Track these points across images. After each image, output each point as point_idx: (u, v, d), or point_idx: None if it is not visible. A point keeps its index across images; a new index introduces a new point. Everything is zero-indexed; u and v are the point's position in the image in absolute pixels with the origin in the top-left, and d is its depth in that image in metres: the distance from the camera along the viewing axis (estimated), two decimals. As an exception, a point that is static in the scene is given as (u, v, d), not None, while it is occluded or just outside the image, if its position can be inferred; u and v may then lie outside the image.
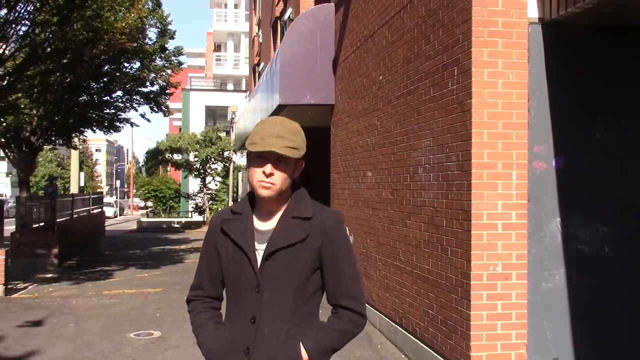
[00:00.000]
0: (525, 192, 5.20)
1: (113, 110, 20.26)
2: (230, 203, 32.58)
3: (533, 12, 5.25)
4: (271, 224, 2.32)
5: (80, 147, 35.48)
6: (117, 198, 56.66)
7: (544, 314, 5.23)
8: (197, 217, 36.67)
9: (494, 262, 5.16)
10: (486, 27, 5.18)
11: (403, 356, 6.74)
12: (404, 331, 6.79)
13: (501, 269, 5.16)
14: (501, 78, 5.19)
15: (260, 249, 2.29)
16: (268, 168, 2.22)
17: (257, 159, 2.24)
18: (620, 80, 5.42)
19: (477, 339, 5.13)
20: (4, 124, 17.64)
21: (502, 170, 5.18)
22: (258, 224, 2.34)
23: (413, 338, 6.49)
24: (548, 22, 5.22)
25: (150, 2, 18.65)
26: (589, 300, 5.31)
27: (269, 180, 2.23)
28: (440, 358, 5.72)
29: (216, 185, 36.81)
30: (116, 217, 45.81)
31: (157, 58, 19.84)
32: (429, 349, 6.03)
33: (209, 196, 34.61)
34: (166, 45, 20.16)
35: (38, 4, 13.37)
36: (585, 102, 5.36)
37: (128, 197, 67.67)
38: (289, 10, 16.39)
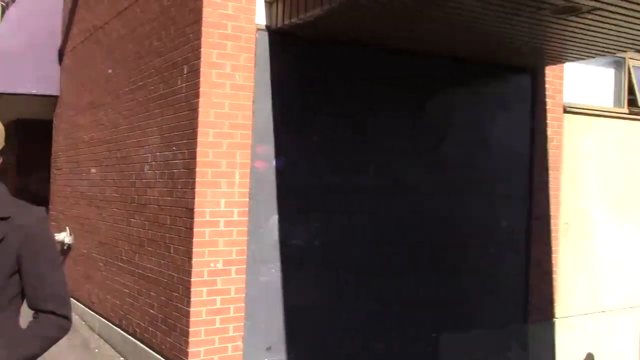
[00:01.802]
0: (247, 191, 5.40)
1: None
2: None
3: (261, 19, 5.48)
4: None
5: None
6: None
7: (261, 306, 5.47)
8: None
9: (215, 259, 5.25)
10: (216, 29, 5.28)
11: (122, 358, 6.52)
12: (124, 333, 6.57)
13: (222, 265, 5.28)
14: (229, 80, 5.33)
15: None
16: None
17: None
18: (334, 89, 5.92)
19: (195, 335, 5.17)
20: None
21: (227, 169, 5.31)
22: None
23: (132, 339, 6.31)
24: (275, 30, 5.49)
25: None
26: (301, 294, 5.69)
27: None
28: (159, 357, 5.65)
29: None
30: None
31: None
32: (148, 349, 5.92)
33: None
34: None
35: None
36: (305, 108, 5.75)
37: None
38: (12, -9, 14.95)
